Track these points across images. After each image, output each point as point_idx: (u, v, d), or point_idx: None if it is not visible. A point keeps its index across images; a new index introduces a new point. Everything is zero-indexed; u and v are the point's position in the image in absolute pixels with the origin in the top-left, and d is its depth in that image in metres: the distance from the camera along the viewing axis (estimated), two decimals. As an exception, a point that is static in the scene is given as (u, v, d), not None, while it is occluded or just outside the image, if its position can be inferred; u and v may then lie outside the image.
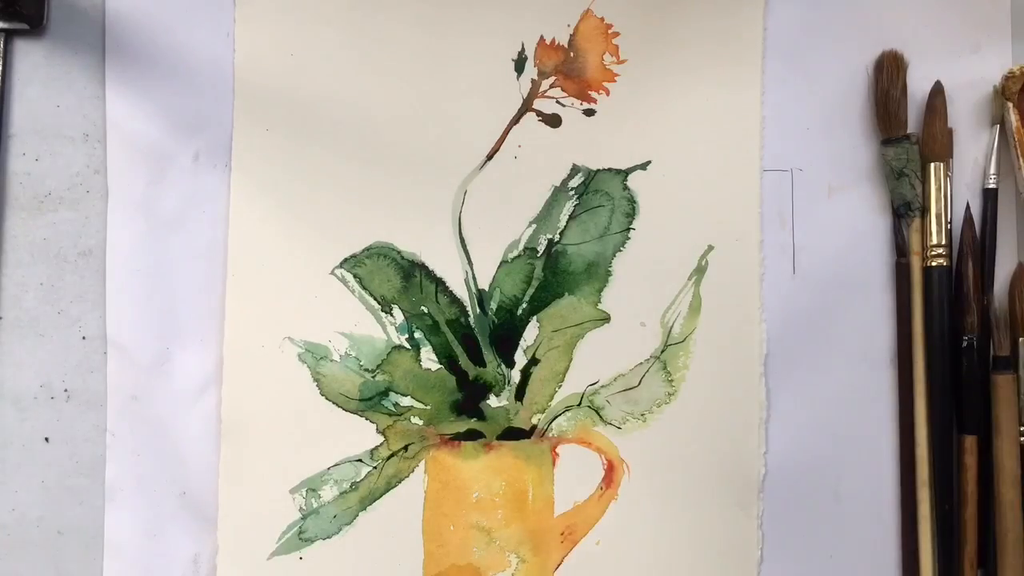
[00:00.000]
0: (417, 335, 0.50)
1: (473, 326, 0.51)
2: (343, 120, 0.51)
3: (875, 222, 0.52)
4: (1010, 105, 0.51)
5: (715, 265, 0.51)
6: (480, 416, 0.51)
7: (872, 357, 0.51)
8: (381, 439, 0.50)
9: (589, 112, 0.51)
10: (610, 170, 0.51)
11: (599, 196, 0.51)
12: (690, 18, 0.51)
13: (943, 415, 0.50)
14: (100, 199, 0.50)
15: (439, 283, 0.51)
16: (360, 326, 0.50)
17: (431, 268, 0.51)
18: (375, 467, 0.50)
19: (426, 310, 0.51)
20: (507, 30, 0.51)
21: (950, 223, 0.51)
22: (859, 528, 0.51)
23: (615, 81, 0.51)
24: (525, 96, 0.51)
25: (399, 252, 0.51)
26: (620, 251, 0.51)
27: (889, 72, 0.51)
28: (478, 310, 0.51)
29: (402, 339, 0.50)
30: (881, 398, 0.51)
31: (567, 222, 0.51)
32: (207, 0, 0.50)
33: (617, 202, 0.51)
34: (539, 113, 0.51)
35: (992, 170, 0.52)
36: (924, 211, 0.51)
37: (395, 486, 0.50)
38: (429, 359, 0.51)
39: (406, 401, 0.50)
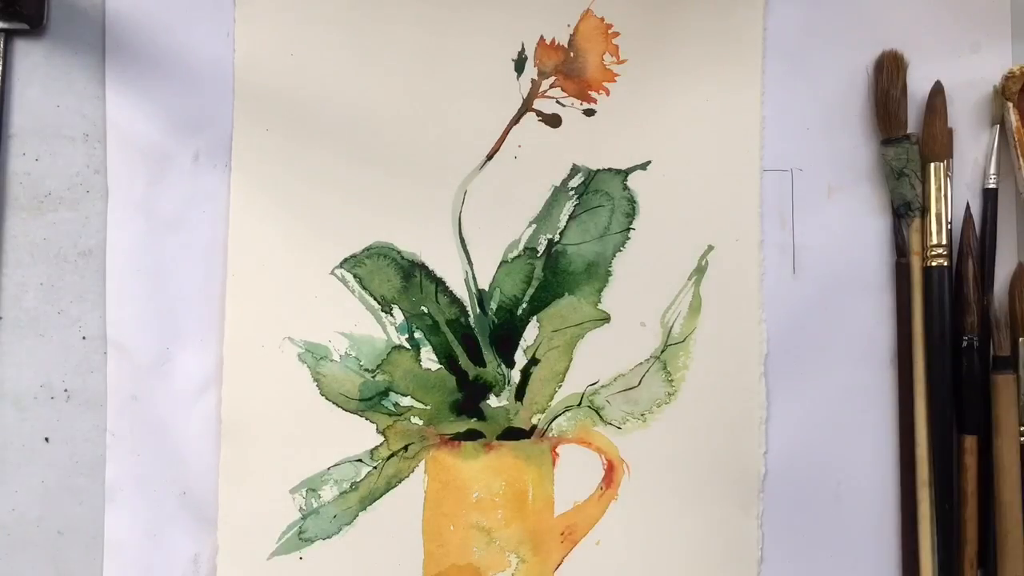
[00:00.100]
0: (417, 335, 0.50)
1: (473, 326, 0.51)
2: (343, 120, 0.51)
3: (875, 222, 0.52)
4: (1010, 105, 0.51)
5: (715, 265, 0.51)
6: (480, 416, 0.51)
7: (872, 357, 0.51)
8: (381, 439, 0.50)
9: (589, 112, 0.51)
10: (610, 170, 0.51)
11: (599, 196, 0.51)
12: (690, 18, 0.52)
13: (943, 415, 0.50)
14: (100, 199, 0.50)
15: (439, 283, 0.51)
16: (360, 326, 0.50)
17: (431, 268, 0.51)
18: (375, 467, 0.50)
19: (426, 310, 0.51)
20: (507, 30, 0.51)
21: (950, 223, 0.51)
22: (859, 528, 0.51)
23: (615, 81, 0.51)
24: (525, 96, 0.51)
25: (399, 252, 0.51)
26: (620, 251, 0.51)
27: (889, 72, 0.51)
28: (478, 310, 0.51)
29: (402, 339, 0.50)
30: (881, 398, 0.51)
31: (567, 222, 0.51)
32: (207, 0, 0.50)
33: (617, 202, 0.51)
34: (539, 113, 0.51)
35: (992, 170, 0.52)
36: (924, 211, 0.51)
37: (395, 486, 0.50)
38: (429, 359, 0.51)
39: (406, 401, 0.50)
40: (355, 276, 0.50)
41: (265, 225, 0.50)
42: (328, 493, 0.50)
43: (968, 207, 0.52)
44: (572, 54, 0.52)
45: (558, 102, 0.51)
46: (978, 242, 0.51)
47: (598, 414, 0.51)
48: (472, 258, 0.51)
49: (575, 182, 0.51)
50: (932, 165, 0.51)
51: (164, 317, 0.49)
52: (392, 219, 0.51)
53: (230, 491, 0.49)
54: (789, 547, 0.51)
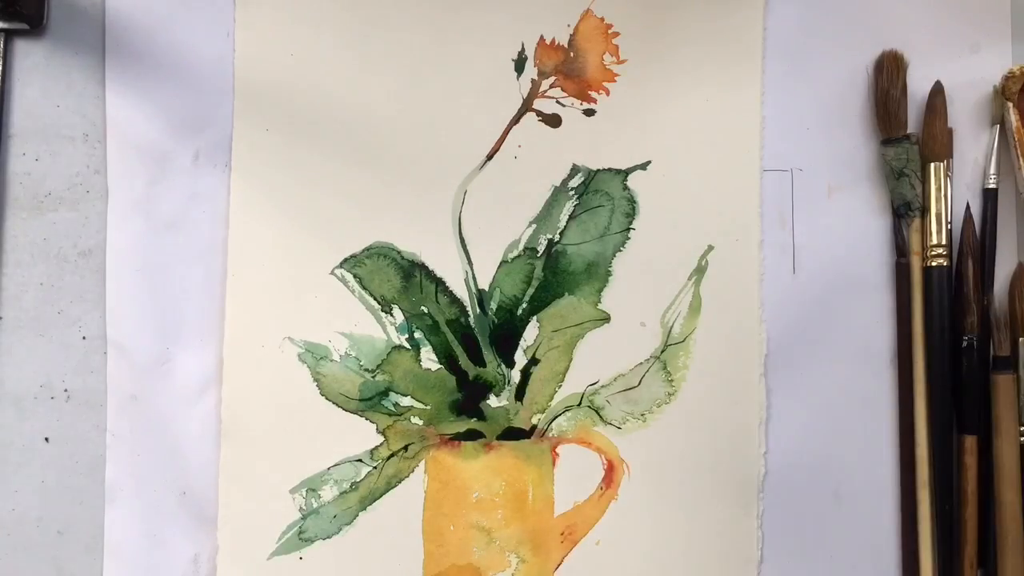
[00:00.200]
0: (417, 335, 0.50)
1: (473, 326, 0.51)
2: (343, 120, 0.51)
3: (875, 222, 0.52)
4: (1010, 105, 0.51)
5: (715, 265, 0.51)
6: (480, 416, 0.51)
7: (872, 357, 0.51)
8: (381, 439, 0.50)
9: (589, 112, 0.51)
10: (610, 170, 0.51)
11: (599, 196, 0.51)
12: (690, 18, 0.52)
13: (943, 415, 0.50)
14: (100, 199, 0.50)
15: (439, 283, 0.51)
16: (360, 326, 0.50)
17: (431, 268, 0.51)
18: (375, 467, 0.50)
19: (426, 310, 0.51)
20: (507, 30, 0.51)
21: (950, 223, 0.51)
22: (859, 528, 0.51)
23: (615, 81, 0.51)
24: (525, 96, 0.51)
25: (399, 252, 0.51)
26: (620, 251, 0.51)
27: (889, 72, 0.51)
28: (478, 310, 0.51)
29: (402, 339, 0.50)
30: (881, 398, 0.51)
31: (567, 222, 0.51)
32: (207, 0, 0.50)
33: (617, 202, 0.51)
34: (539, 113, 0.51)
35: (992, 170, 0.52)
36: (924, 211, 0.51)
37: (395, 486, 0.50)
38: (429, 359, 0.51)
39: (406, 401, 0.50)
40: (355, 276, 0.50)
41: (265, 225, 0.50)
42: (328, 493, 0.50)
43: (968, 207, 0.52)
44: (572, 54, 0.52)
45: (558, 102, 0.51)
46: (978, 242, 0.51)
47: (598, 414, 0.51)
48: (472, 258, 0.51)
49: (575, 182, 0.51)
50: (932, 165, 0.51)
51: (164, 317, 0.49)
52: (392, 219, 0.51)
53: (230, 491, 0.49)
54: (789, 547, 0.51)
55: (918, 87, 0.52)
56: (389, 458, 0.50)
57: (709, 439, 0.51)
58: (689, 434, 0.51)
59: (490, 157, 0.51)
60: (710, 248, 0.51)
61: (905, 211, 0.51)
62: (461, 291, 0.51)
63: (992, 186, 0.52)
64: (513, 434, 0.51)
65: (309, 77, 0.50)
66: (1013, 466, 0.49)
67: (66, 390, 0.49)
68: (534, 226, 0.51)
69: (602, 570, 0.50)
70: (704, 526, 0.50)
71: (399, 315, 0.50)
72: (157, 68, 0.50)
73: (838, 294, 0.52)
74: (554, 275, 0.51)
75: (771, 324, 0.51)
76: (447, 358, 0.51)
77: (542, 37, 0.51)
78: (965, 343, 0.50)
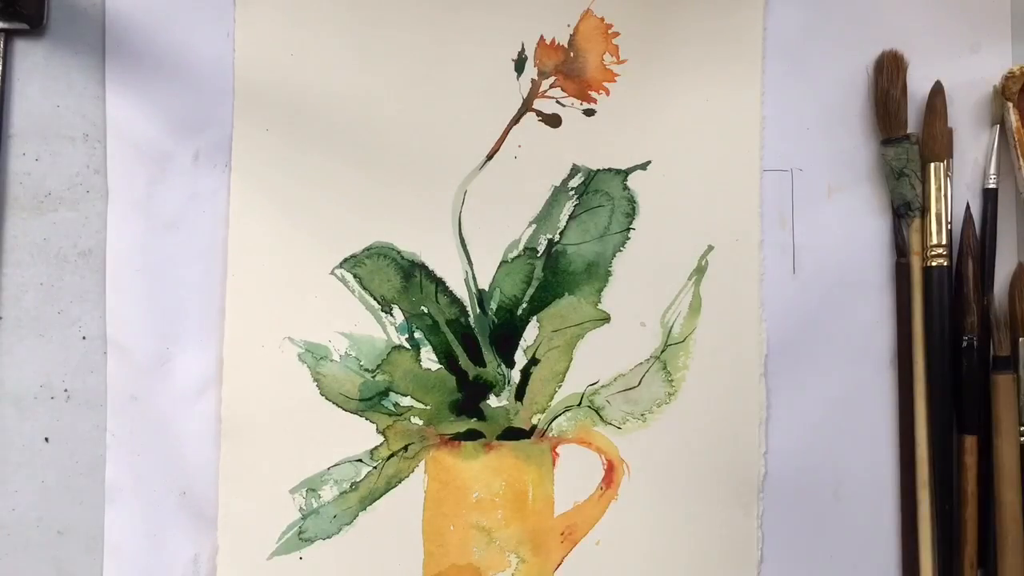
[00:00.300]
0: (417, 335, 0.50)
1: (473, 326, 0.51)
2: (343, 120, 0.51)
3: (875, 222, 0.52)
4: (1010, 105, 0.51)
5: (715, 265, 0.51)
6: (480, 416, 0.51)
7: (872, 357, 0.51)
8: (381, 439, 0.50)
9: (589, 112, 0.51)
10: (610, 170, 0.51)
11: (599, 196, 0.51)
12: (690, 18, 0.51)
13: (943, 415, 0.50)
14: (100, 199, 0.50)
15: (439, 283, 0.51)
16: (360, 326, 0.50)
17: (431, 268, 0.51)
18: (375, 467, 0.50)
19: (426, 310, 0.51)
20: (507, 30, 0.51)
21: (950, 223, 0.51)
22: (859, 528, 0.51)
23: (615, 81, 0.51)
24: (525, 96, 0.51)
25: (399, 252, 0.51)
26: (620, 251, 0.51)
27: (889, 72, 0.51)
28: (478, 310, 0.51)
29: (402, 339, 0.50)
30: (881, 398, 0.51)
31: (567, 222, 0.51)
32: (207, 0, 0.50)
33: (617, 202, 0.51)
34: (539, 113, 0.51)
35: (992, 170, 0.52)
36: (924, 211, 0.51)
37: (395, 486, 0.50)
38: (429, 359, 0.51)
39: (406, 401, 0.50)
40: (355, 276, 0.50)
41: (265, 225, 0.50)
42: (328, 493, 0.50)
43: (968, 207, 0.52)
44: (572, 54, 0.52)
45: (558, 102, 0.51)
46: (978, 242, 0.51)
47: (598, 414, 0.51)
48: (472, 258, 0.51)
49: (575, 182, 0.51)
50: (932, 165, 0.51)
51: (164, 317, 0.49)
52: (392, 219, 0.51)
53: (230, 491, 0.49)
54: (789, 547, 0.51)
55: (918, 87, 0.52)
56: (389, 458, 0.50)
57: (709, 439, 0.51)
58: (689, 434, 0.51)
59: (490, 157, 0.51)
60: (710, 248, 0.51)
61: (905, 211, 0.51)
62: (461, 291, 0.51)
63: (992, 186, 0.52)
64: (513, 434, 0.51)
65: (309, 77, 0.50)
66: (1013, 466, 0.49)
67: (66, 390, 0.49)
68: (534, 226, 0.51)
69: (602, 570, 0.50)
70: (704, 526, 0.50)
71: (399, 315, 0.50)
72: (157, 68, 0.50)
73: (838, 294, 0.52)
74: (554, 275, 0.51)
75: (771, 324, 0.51)
76: (447, 358, 0.51)
77: (542, 37, 0.51)
78: (965, 343, 0.50)
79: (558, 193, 0.51)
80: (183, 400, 0.49)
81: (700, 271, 0.51)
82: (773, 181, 0.52)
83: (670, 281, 0.51)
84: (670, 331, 0.51)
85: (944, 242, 0.50)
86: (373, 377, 0.50)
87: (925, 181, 0.51)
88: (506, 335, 0.51)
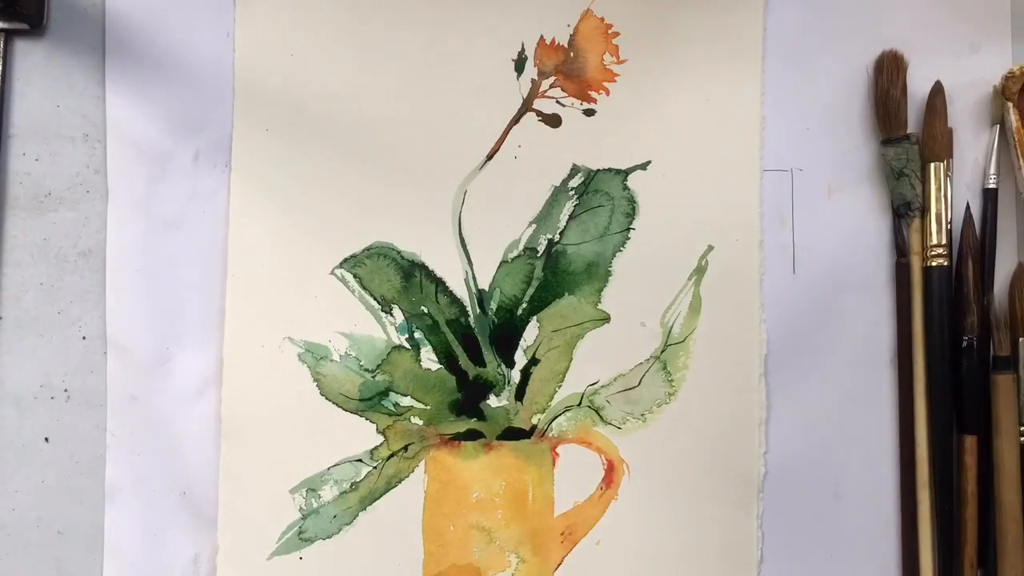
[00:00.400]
0: (417, 335, 0.50)
1: (473, 326, 0.51)
2: (343, 120, 0.51)
3: (875, 222, 0.52)
4: (1010, 105, 0.51)
5: (715, 265, 0.51)
6: (480, 416, 0.51)
7: (872, 357, 0.51)
8: (381, 439, 0.50)
9: (589, 112, 0.51)
10: (610, 170, 0.51)
11: (599, 196, 0.51)
12: (690, 18, 0.52)
13: (943, 415, 0.50)
14: (100, 199, 0.50)
15: (439, 283, 0.51)
16: (360, 326, 0.50)
17: (431, 268, 0.51)
18: (375, 467, 0.50)
19: (426, 310, 0.51)
20: (507, 30, 0.51)
21: (950, 223, 0.51)
22: (859, 528, 0.51)
23: (615, 81, 0.51)
24: (525, 96, 0.51)
25: (399, 252, 0.51)
26: (620, 251, 0.51)
27: (889, 72, 0.51)
28: (478, 310, 0.51)
29: (402, 339, 0.50)
30: (881, 398, 0.51)
31: (567, 222, 0.51)
32: (207, 0, 0.50)
33: (617, 202, 0.51)
34: (539, 113, 0.51)
35: (992, 170, 0.52)
36: (924, 211, 0.51)
37: (395, 486, 0.50)
38: (429, 359, 0.51)
39: (406, 401, 0.50)
40: (355, 276, 0.50)
41: (265, 225, 0.50)
42: (328, 493, 0.50)
43: (968, 207, 0.52)
44: (572, 54, 0.52)
45: (558, 102, 0.51)
46: (978, 242, 0.51)
47: (598, 414, 0.51)
48: (472, 258, 0.51)
49: (575, 182, 0.51)
50: (932, 165, 0.51)
51: (164, 317, 0.49)
52: (392, 219, 0.51)
53: (230, 491, 0.49)
54: (789, 547, 0.51)
55: (918, 87, 0.52)
56: (389, 458, 0.50)
57: (709, 439, 0.51)
58: (689, 434, 0.50)
59: (490, 157, 0.51)
60: (710, 248, 0.51)
61: (905, 211, 0.51)
62: (461, 291, 0.51)
63: (992, 186, 0.52)
64: (513, 434, 0.51)
65: (309, 77, 0.50)
66: (1013, 466, 0.49)
67: (66, 390, 0.49)
68: (534, 226, 0.51)
69: (602, 570, 0.50)
70: (704, 526, 0.50)
71: (399, 315, 0.51)
72: (157, 68, 0.50)
73: (838, 294, 0.52)
74: (554, 275, 0.51)
75: (771, 324, 0.51)
76: (447, 358, 0.51)
77: (542, 37, 0.51)
78: (965, 343, 0.50)
79: (558, 193, 0.51)
80: (183, 400, 0.49)
81: (700, 271, 0.51)
82: (773, 181, 0.52)
83: (670, 281, 0.51)
84: (670, 331, 0.51)
85: (944, 242, 0.50)
86: (373, 377, 0.50)
87: (925, 181, 0.51)
88: (506, 335, 0.51)
